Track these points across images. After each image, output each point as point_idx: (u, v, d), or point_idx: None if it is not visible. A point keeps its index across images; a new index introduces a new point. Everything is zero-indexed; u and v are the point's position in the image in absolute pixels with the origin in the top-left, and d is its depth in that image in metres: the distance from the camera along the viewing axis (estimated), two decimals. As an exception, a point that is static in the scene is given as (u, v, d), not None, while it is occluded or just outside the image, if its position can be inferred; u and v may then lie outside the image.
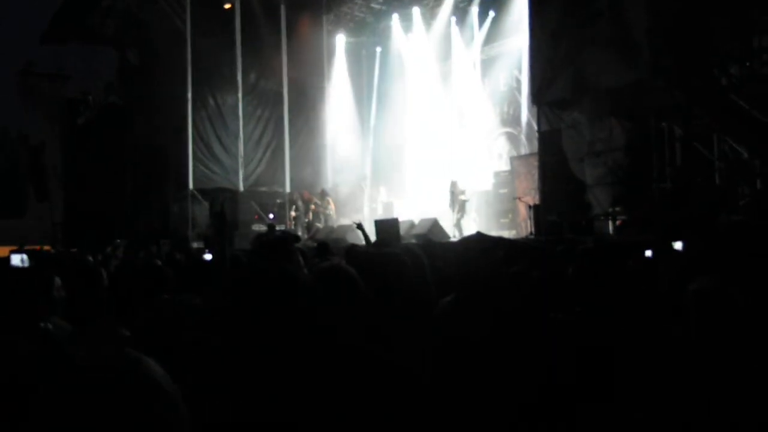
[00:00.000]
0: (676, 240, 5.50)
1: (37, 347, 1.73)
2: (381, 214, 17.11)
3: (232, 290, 1.65)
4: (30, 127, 20.98)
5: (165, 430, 0.94)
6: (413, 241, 10.58)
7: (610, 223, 10.90)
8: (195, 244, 14.65)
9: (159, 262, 2.63)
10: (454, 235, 13.35)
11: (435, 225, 12.64)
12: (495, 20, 17.22)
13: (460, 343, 2.32)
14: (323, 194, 17.99)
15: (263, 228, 16.05)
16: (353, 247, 6.44)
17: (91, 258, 5.72)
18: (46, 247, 10.86)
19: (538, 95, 11.38)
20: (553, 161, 10.88)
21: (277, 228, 15.35)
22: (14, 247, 7.14)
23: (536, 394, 2.14)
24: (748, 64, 9.08)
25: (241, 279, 1.68)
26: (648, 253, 5.03)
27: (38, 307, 2.01)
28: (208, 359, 1.70)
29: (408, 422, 1.79)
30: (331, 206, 17.72)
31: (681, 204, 8.74)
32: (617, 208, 10.30)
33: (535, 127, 13.19)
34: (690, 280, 2.82)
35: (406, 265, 2.46)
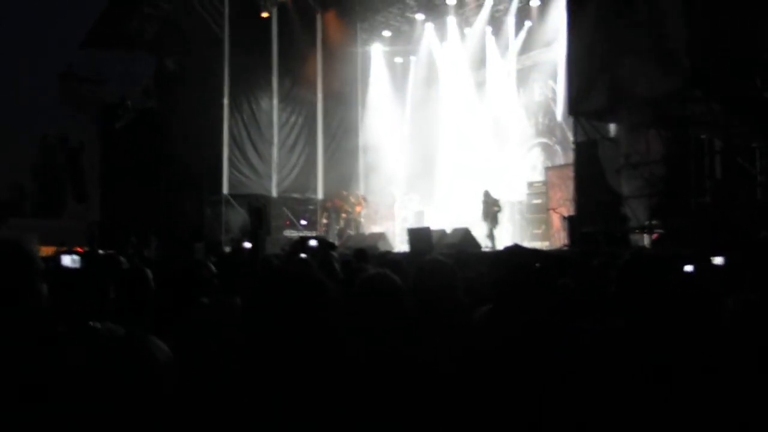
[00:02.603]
0: (716, 255, 5.37)
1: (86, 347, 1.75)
2: (412, 223, 17.08)
3: (255, 291, 1.66)
4: (70, 130, 21.53)
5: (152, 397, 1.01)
6: (444, 250, 10.53)
7: (646, 236, 10.70)
8: (227, 249, 14.81)
9: (199, 265, 2.65)
10: (486, 246, 13.25)
11: (467, 235, 12.55)
12: (531, 30, 17.11)
13: (496, 353, 2.29)
14: (358, 199, 18.01)
15: (294, 234, 16.16)
16: (386, 255, 6.44)
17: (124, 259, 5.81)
18: (78, 249, 11.06)
19: (574, 106, 11.24)
20: (589, 172, 10.72)
21: (310, 235, 15.42)
22: (53, 248, 7.29)
23: (571, 407, 2.10)
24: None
25: (265, 280, 1.68)
26: (688, 268, 4.92)
27: (89, 307, 2.03)
28: (245, 360, 1.70)
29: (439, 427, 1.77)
30: (358, 210, 17.75)
31: (721, 218, 8.53)
32: (654, 221, 10.10)
33: (570, 138, 13.03)
34: (729, 296, 2.75)
35: (453, 274, 2.44)
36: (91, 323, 2.04)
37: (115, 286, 2.35)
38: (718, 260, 5.23)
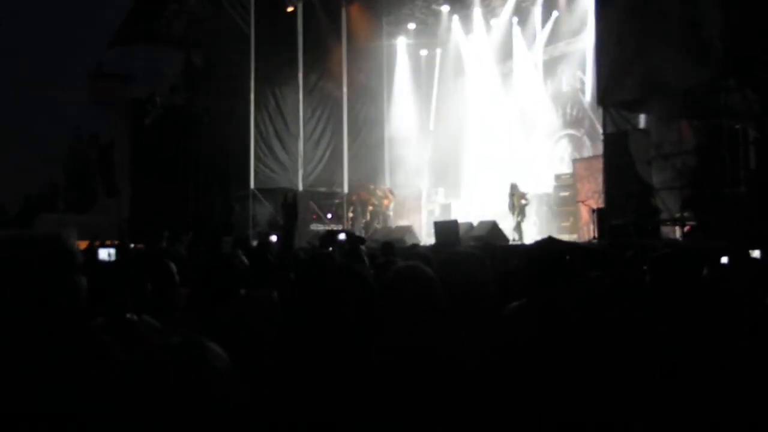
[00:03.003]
0: (753, 248, 5.24)
1: (121, 338, 1.77)
2: (438, 216, 17.03)
3: (302, 285, 1.66)
4: (100, 127, 21.85)
5: (218, 411, 0.98)
6: (471, 243, 10.47)
7: (678, 228, 10.53)
8: (255, 243, 14.93)
9: (235, 257, 2.67)
10: (513, 239, 13.16)
11: (494, 228, 12.48)
12: (558, 20, 16.89)
13: (529, 345, 2.27)
14: (385, 192, 18.01)
15: (320, 228, 16.23)
16: (414, 248, 6.43)
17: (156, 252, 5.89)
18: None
19: (603, 96, 11.07)
20: (619, 164, 10.57)
21: (337, 228, 15.48)
22: (86, 242, 7.41)
23: (605, 401, 2.07)
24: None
25: (312, 274, 1.68)
26: (724, 260, 4.82)
27: (125, 300, 2.06)
28: (285, 353, 1.71)
29: (475, 423, 1.75)
30: (386, 203, 17.73)
31: (756, 210, 8.34)
32: (686, 213, 9.92)
33: (599, 129, 12.85)
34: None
35: (485, 266, 2.42)
36: (128, 316, 2.07)
37: (150, 280, 2.38)
38: (755, 253, 5.12)
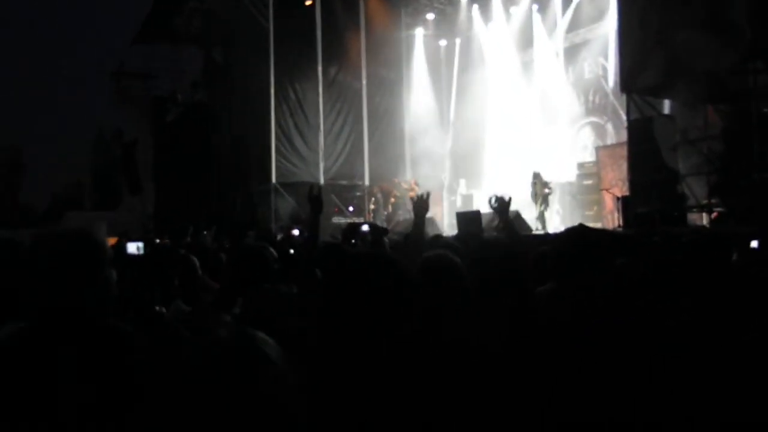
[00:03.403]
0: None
1: (151, 331, 1.78)
2: (461, 207, 16.96)
3: (336, 279, 1.64)
4: (123, 125, 22.11)
5: (276, 406, 0.95)
6: (494, 233, 10.41)
7: (705, 215, 10.36)
8: (279, 236, 15.01)
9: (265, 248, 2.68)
10: (537, 228, 13.07)
11: (517, 217, 12.40)
12: (579, 6, 16.67)
13: (561, 330, 2.25)
14: (410, 184, 17.95)
15: (342, 221, 16.25)
16: (439, 238, 6.39)
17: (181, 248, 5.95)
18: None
19: (627, 82, 10.92)
20: (644, 150, 10.42)
21: (360, 221, 15.49)
22: (115, 238, 7.50)
23: (635, 387, 2.04)
24: None
25: (346, 267, 1.66)
26: (754, 244, 4.73)
27: (154, 292, 2.08)
28: (311, 350, 1.70)
29: (507, 415, 1.74)
30: (411, 195, 17.69)
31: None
32: (713, 200, 9.76)
33: (622, 116, 12.68)
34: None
35: (513, 254, 2.40)
36: (157, 308, 2.09)
37: (176, 273, 2.40)
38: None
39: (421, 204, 3.13)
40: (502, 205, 3.36)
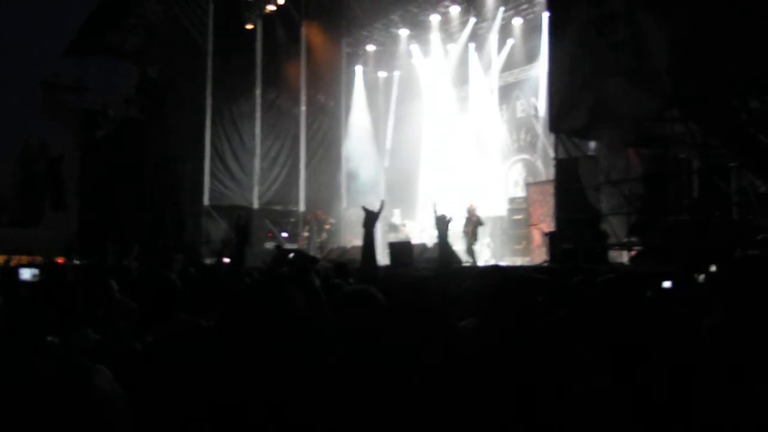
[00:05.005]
0: (698, 272, 5.41)
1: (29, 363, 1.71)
2: (393, 237, 17.06)
3: (226, 309, 1.65)
4: (50, 139, 21.29)
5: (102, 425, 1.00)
6: (424, 265, 10.52)
7: (625, 252, 10.80)
8: (208, 261, 14.69)
9: (173, 276, 2.61)
10: (467, 261, 13.28)
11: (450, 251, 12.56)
12: (513, 47, 17.31)
13: (486, 366, 2.29)
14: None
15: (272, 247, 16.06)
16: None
17: (104, 268, 5.74)
18: (60, 260, 10.92)
19: (555, 123, 11.35)
20: (569, 189, 10.82)
21: (291, 247, 15.35)
22: (26, 258, 7.18)
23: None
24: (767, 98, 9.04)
25: (235, 298, 1.68)
26: (666, 284, 4.96)
27: (45, 322, 1.98)
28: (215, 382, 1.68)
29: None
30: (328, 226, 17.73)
31: (698, 237, 8.64)
32: (632, 238, 10.20)
33: (552, 155, 13.15)
34: (706, 315, 2.77)
35: (434, 289, 2.44)
36: (49, 338, 2.00)
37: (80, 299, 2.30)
38: (701, 278, 5.28)
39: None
40: (441, 222, 3.32)
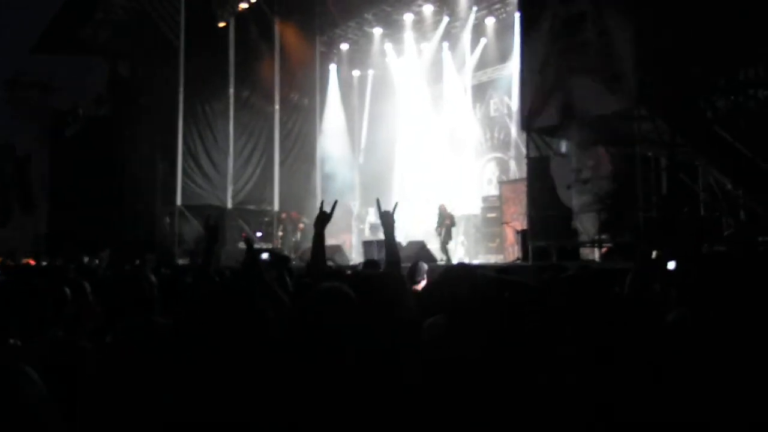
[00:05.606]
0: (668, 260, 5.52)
1: None
2: (368, 236, 17.11)
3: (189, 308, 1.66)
4: (17, 138, 20.86)
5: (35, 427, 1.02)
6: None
7: (596, 249, 10.96)
8: (180, 261, 14.56)
9: (148, 277, 2.59)
10: (441, 259, 13.36)
11: (423, 248, 12.63)
12: (486, 46, 17.44)
13: (455, 362, 2.31)
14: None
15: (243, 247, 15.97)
16: (339, 268, 6.43)
17: (73, 269, 5.68)
18: (31, 260, 10.76)
19: (527, 122, 11.47)
20: (541, 187, 10.95)
21: (265, 246, 15.29)
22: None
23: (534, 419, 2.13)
24: (732, 97, 9.24)
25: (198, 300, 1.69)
26: (671, 265, 5.04)
27: (8, 323, 1.97)
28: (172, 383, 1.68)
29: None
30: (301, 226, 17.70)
31: (666, 233, 8.81)
32: (603, 236, 10.36)
33: (524, 153, 13.28)
34: (669, 311, 2.84)
35: (403, 286, 2.47)
36: (11, 341, 1.99)
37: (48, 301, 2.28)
38: (670, 265, 5.37)
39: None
40: (386, 218, 3.29)
